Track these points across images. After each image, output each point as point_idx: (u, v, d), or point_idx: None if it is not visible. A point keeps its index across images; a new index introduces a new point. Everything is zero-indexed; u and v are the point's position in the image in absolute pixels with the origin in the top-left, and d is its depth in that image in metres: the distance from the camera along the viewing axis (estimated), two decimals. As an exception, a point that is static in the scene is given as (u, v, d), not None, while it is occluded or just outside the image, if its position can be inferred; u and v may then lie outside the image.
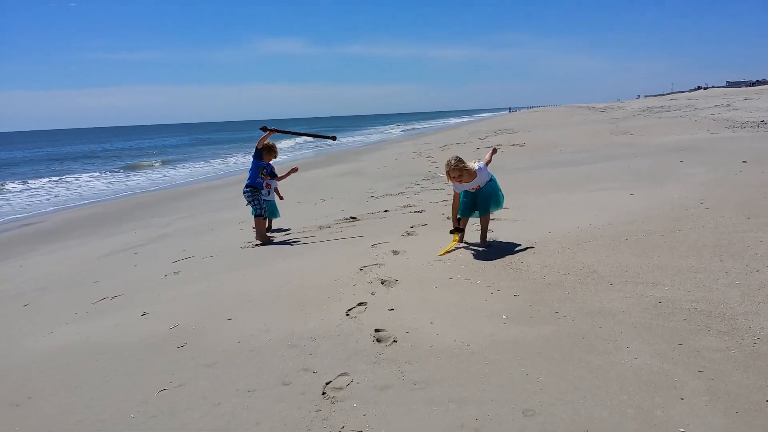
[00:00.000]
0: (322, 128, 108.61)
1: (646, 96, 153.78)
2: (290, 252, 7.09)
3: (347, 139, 54.65)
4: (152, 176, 29.72)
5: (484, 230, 6.25)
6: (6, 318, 6.06)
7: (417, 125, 79.15)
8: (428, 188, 11.84)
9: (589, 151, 15.80)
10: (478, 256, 5.73)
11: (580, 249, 5.58)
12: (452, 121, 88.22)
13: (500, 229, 6.75)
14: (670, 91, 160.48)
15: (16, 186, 27.02)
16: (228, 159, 38.84)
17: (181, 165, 36.25)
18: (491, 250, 5.87)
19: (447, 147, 23.69)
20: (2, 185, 26.95)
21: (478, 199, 6.20)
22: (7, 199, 22.42)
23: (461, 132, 38.28)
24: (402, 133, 59.56)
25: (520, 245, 5.93)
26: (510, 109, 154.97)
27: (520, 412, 2.94)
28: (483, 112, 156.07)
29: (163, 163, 39.43)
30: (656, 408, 2.86)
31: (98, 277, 7.35)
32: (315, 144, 46.04)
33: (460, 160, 5.96)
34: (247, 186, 8.29)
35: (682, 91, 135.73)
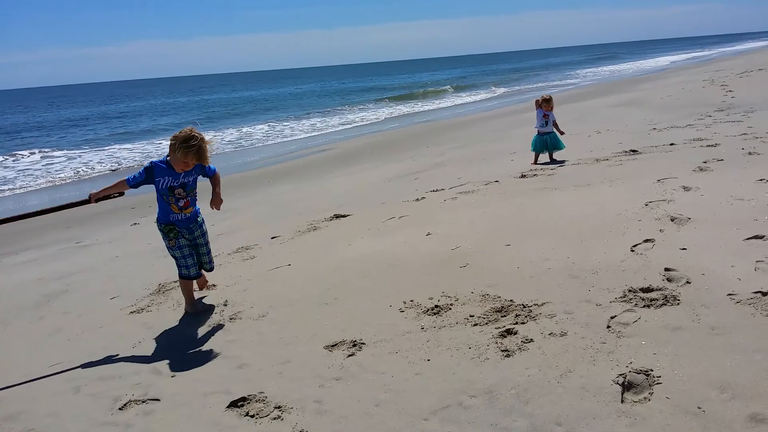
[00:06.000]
0: (596, 54, 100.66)
1: None
2: (565, 183, 6.94)
3: (621, 67, 50.44)
4: (438, 104, 32.09)
5: None
6: (313, 230, 7.01)
7: (703, 52, 66.69)
8: (723, 120, 10.48)
9: None
10: (791, 197, 4.98)
11: None
12: (751, 44, 75.11)
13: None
14: None
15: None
16: (502, 90, 39.08)
17: (468, 92, 39.46)
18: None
19: (747, 73, 20.57)
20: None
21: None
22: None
23: (766, 56, 32.76)
24: (684, 60, 52.84)
25: None
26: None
27: None
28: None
29: (456, 89, 43.63)
30: None
31: (384, 198, 8.06)
32: (583, 77, 43.34)
33: None
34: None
35: None
